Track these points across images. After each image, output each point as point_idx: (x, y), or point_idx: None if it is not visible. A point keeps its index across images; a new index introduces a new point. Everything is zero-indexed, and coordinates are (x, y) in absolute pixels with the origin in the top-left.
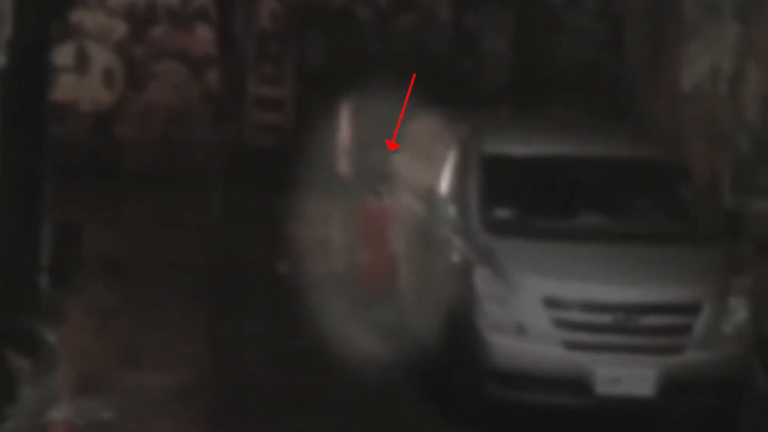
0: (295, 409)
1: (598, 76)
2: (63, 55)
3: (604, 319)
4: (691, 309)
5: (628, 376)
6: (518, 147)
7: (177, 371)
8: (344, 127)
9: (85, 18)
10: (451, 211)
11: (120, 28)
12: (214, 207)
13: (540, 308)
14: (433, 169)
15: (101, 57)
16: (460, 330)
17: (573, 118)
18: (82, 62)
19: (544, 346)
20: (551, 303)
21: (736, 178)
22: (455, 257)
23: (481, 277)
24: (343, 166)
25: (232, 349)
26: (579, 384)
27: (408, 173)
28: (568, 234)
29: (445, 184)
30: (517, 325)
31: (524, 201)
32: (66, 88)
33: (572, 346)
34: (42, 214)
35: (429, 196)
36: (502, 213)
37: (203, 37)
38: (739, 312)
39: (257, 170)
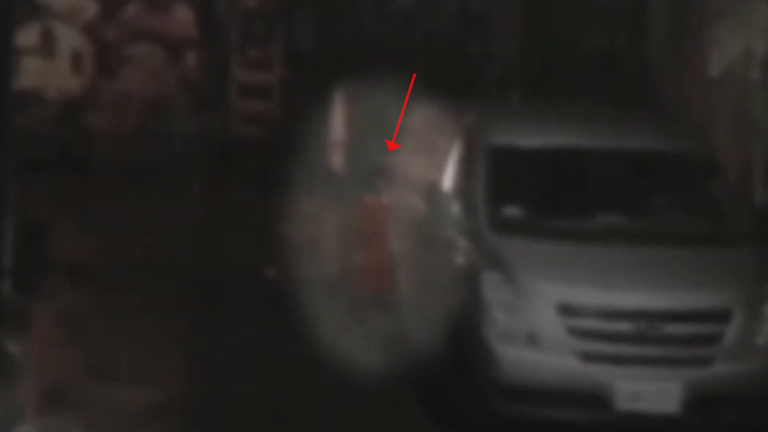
0: (283, 426)
1: (618, 60)
2: (27, 36)
3: (625, 327)
4: (720, 316)
5: (651, 391)
6: (529, 138)
7: (153, 385)
8: (338, 116)
9: None
10: (456, 209)
11: (90, 8)
12: (194, 205)
13: (553, 316)
14: (435, 162)
15: (69, 39)
16: (466, 339)
17: (590, 106)
18: (48, 45)
19: (557, 358)
20: (566, 310)
21: None
22: (460, 260)
23: (489, 282)
24: (337, 159)
25: (215, 361)
26: (596, 399)
27: (408, 167)
28: (584, 234)
29: (448, 179)
30: (528, 335)
31: (536, 198)
32: (30, 73)
33: (589, 357)
34: (4, 213)
35: (431, 192)
36: (512, 211)
37: (182, 17)
38: None
39: (242, 164)
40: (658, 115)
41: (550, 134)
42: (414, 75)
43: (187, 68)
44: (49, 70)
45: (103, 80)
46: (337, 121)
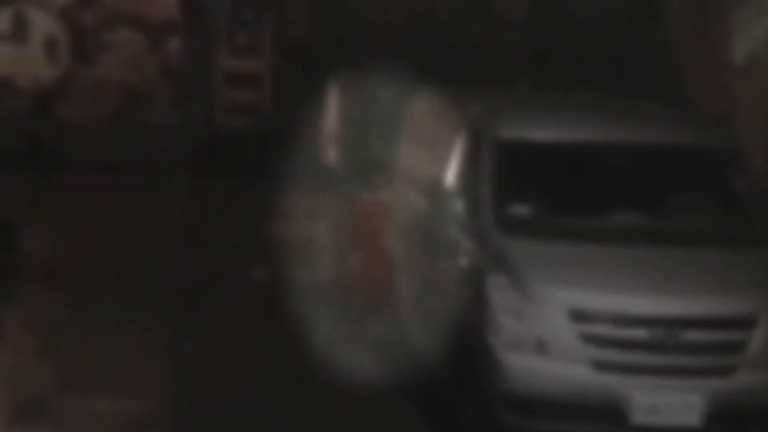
0: None
1: (635, 47)
2: None
3: (641, 334)
4: (744, 323)
5: (670, 403)
6: (539, 131)
7: (133, 396)
8: (332, 107)
9: None
10: (460, 207)
11: None
12: (177, 202)
13: (564, 322)
14: (437, 157)
15: (43, 24)
16: (470, 348)
17: (604, 96)
18: (20, 30)
19: (569, 367)
20: (578, 316)
21: None
22: (464, 262)
23: (495, 286)
24: (331, 153)
25: (199, 371)
26: (611, 412)
27: (408, 162)
28: (598, 234)
29: (452, 175)
30: (537, 342)
31: (546, 195)
32: (1, 61)
33: (603, 366)
34: None
35: (433, 189)
36: (520, 209)
37: (164, 0)
38: None
39: (229, 158)
40: (677, 106)
41: (560, 127)
42: (415, 63)
43: (169, 55)
44: (21, 58)
45: (79, 68)
46: (332, 112)
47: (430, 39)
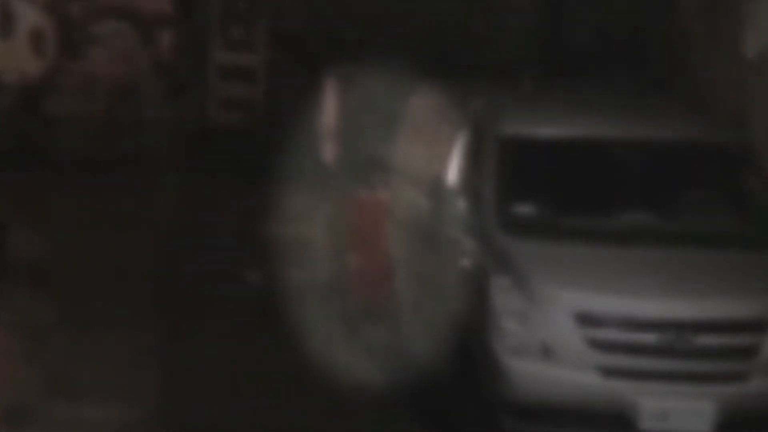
0: None
1: (644, 40)
2: None
3: (650, 339)
4: (756, 327)
5: (680, 410)
6: (544, 127)
7: (122, 403)
8: (330, 102)
9: None
10: (462, 206)
11: None
12: (168, 200)
13: (571, 326)
14: (439, 154)
15: (29, 17)
16: (472, 352)
17: (612, 92)
18: (5, 24)
19: (575, 373)
20: (585, 320)
21: None
22: (466, 263)
23: (499, 288)
24: (329, 150)
25: (190, 377)
26: (618, 419)
27: (408, 159)
28: (606, 235)
29: (453, 172)
30: (543, 347)
31: (552, 194)
32: None
33: (610, 372)
34: None
35: (434, 187)
36: (525, 209)
37: None
38: None
39: (222, 155)
40: (687, 101)
41: (567, 123)
42: (414, 56)
43: (160, 49)
44: (6, 52)
45: (66, 62)
46: (329, 107)
47: (431, 31)
